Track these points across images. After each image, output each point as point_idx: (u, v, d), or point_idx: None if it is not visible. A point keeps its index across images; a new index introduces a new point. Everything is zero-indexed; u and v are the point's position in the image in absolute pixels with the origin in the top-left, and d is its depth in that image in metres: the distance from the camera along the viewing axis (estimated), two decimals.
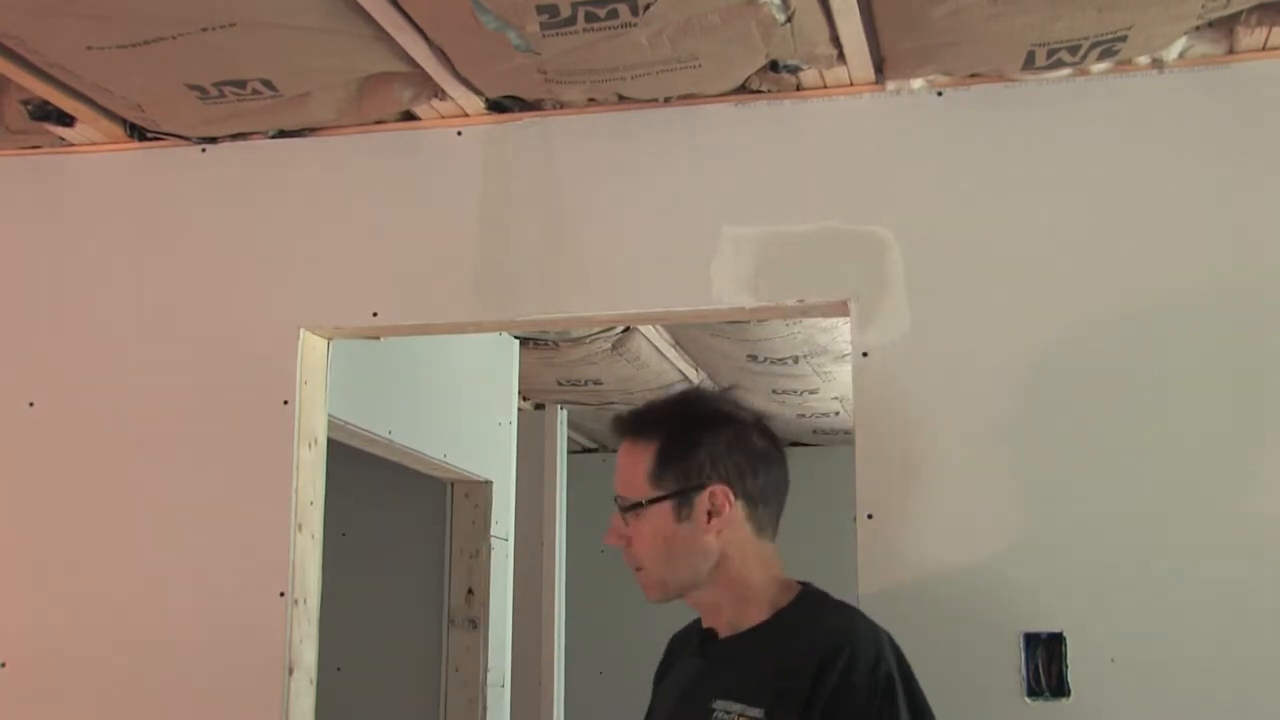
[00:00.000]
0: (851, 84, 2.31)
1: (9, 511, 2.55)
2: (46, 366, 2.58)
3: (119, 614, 2.46)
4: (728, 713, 1.75)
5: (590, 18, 2.01)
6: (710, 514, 1.82)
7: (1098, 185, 2.21)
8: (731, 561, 1.84)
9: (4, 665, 2.49)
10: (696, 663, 1.89)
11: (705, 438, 1.84)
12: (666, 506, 1.82)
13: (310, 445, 2.50)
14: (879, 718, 1.68)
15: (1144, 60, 2.18)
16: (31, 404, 2.57)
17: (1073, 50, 2.13)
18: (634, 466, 1.85)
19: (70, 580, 2.49)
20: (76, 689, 2.46)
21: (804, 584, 1.88)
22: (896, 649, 1.77)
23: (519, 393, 4.24)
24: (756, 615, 1.84)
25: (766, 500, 1.88)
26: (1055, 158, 2.23)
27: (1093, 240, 2.20)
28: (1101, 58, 2.16)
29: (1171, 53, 2.16)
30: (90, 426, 2.54)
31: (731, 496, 1.83)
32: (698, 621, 1.95)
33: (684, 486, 1.82)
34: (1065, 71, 2.21)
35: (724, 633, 1.87)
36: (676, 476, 1.82)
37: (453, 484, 4.10)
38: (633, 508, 1.84)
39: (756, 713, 1.72)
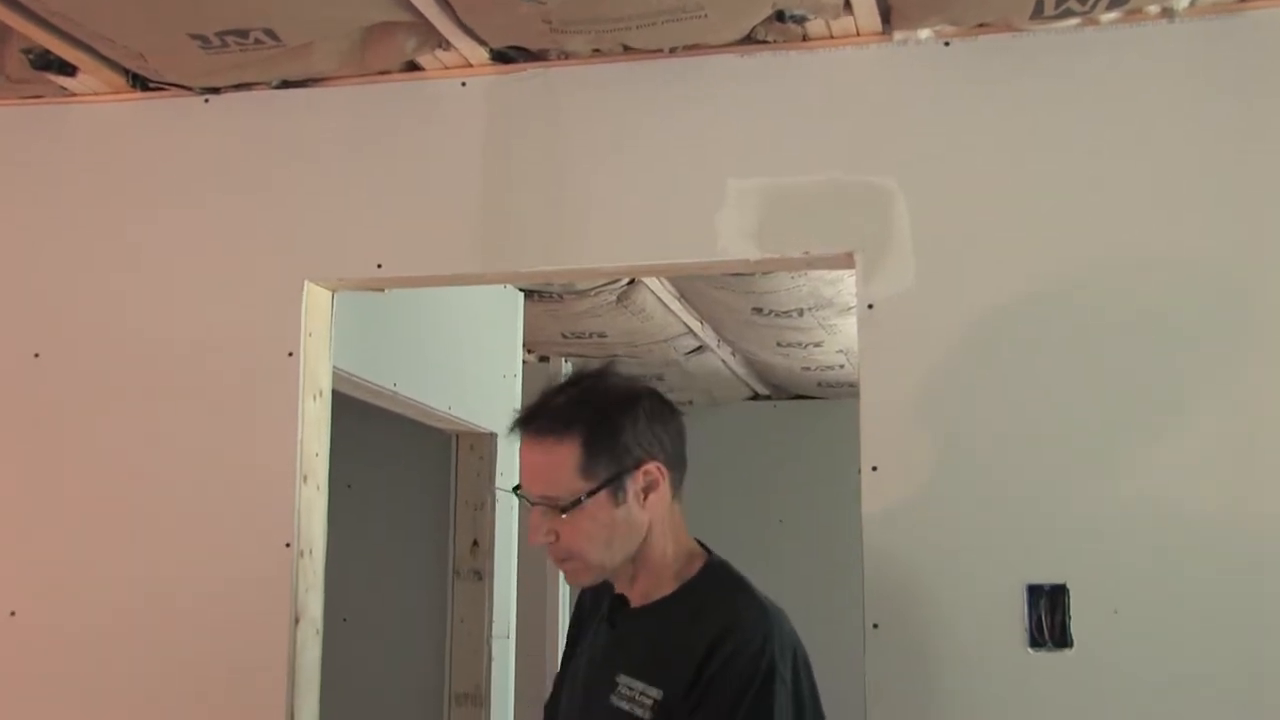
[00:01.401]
0: (858, 34, 2.29)
1: (16, 463, 2.56)
2: (51, 318, 2.58)
3: (125, 564, 2.48)
4: (630, 689, 1.77)
5: None
6: (646, 490, 1.83)
7: (1106, 136, 2.20)
8: (653, 531, 1.85)
9: (13, 614, 2.51)
10: (606, 630, 1.90)
11: (624, 419, 1.83)
12: (603, 495, 1.80)
13: (315, 397, 2.50)
14: (752, 707, 1.69)
15: (1154, 9, 2.16)
16: (37, 355, 2.57)
17: None
18: (557, 466, 1.81)
19: (77, 531, 2.51)
20: (83, 638, 2.47)
21: (708, 553, 1.89)
22: (792, 637, 1.77)
23: (523, 345, 4.24)
24: (665, 586, 1.85)
25: (681, 464, 1.89)
26: (1063, 109, 2.22)
27: (1100, 192, 2.19)
28: (1111, 6, 2.14)
29: (1182, 1, 2.14)
30: (95, 378, 2.54)
31: (663, 469, 1.84)
32: (608, 583, 1.94)
33: (617, 471, 1.81)
34: (1074, 21, 2.19)
35: (636, 602, 1.88)
36: (607, 464, 1.81)
37: (457, 436, 4.11)
38: (570, 506, 1.80)
39: (655, 693, 1.74)
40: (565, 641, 2.05)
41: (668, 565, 1.86)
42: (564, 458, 1.81)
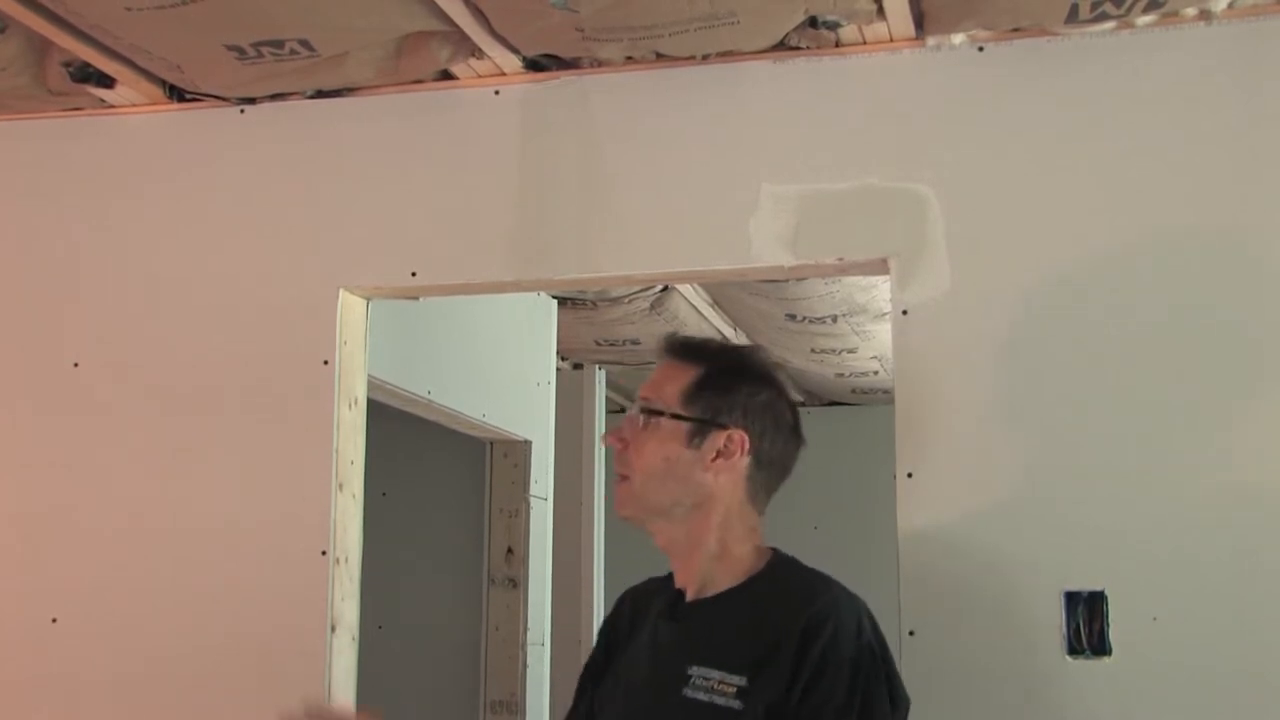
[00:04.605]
0: (891, 40, 2.29)
1: (55, 472, 2.58)
2: (90, 327, 2.61)
3: (162, 572, 2.49)
4: (706, 679, 1.73)
5: None
6: (719, 454, 1.82)
7: (1142, 140, 2.18)
8: (714, 507, 1.82)
9: (55, 621, 2.53)
10: (669, 626, 1.85)
11: (746, 386, 1.85)
12: (683, 428, 1.82)
13: (350, 405, 2.51)
14: (865, 689, 1.67)
15: (1191, 11, 2.14)
16: (76, 364, 2.59)
17: (1118, 2, 2.10)
18: (671, 381, 1.85)
19: (116, 539, 2.53)
20: (122, 644, 2.49)
21: (775, 550, 1.87)
22: (873, 619, 1.76)
23: (557, 352, 4.24)
24: (729, 578, 1.82)
25: (771, 471, 1.87)
26: (1098, 113, 2.20)
27: (1136, 197, 2.17)
28: (1147, 9, 2.13)
29: (1220, 3, 2.12)
30: (133, 387, 2.56)
31: (746, 447, 1.83)
32: (660, 581, 1.93)
33: (708, 418, 1.82)
34: (1109, 24, 2.18)
35: (693, 595, 1.85)
36: (705, 406, 1.82)
37: (492, 444, 4.12)
38: (653, 413, 1.84)
39: (738, 680, 1.70)
40: (596, 649, 2.01)
41: (731, 555, 1.83)
42: (677, 377, 1.85)
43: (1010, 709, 2.09)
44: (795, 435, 1.90)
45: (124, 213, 2.63)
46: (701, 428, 1.82)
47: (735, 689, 1.70)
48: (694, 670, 1.75)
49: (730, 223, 2.32)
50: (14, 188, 2.70)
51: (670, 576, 1.91)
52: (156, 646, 2.48)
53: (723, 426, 1.82)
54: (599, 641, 2.02)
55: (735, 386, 1.84)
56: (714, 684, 1.72)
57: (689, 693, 1.74)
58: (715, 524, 1.83)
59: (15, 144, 2.70)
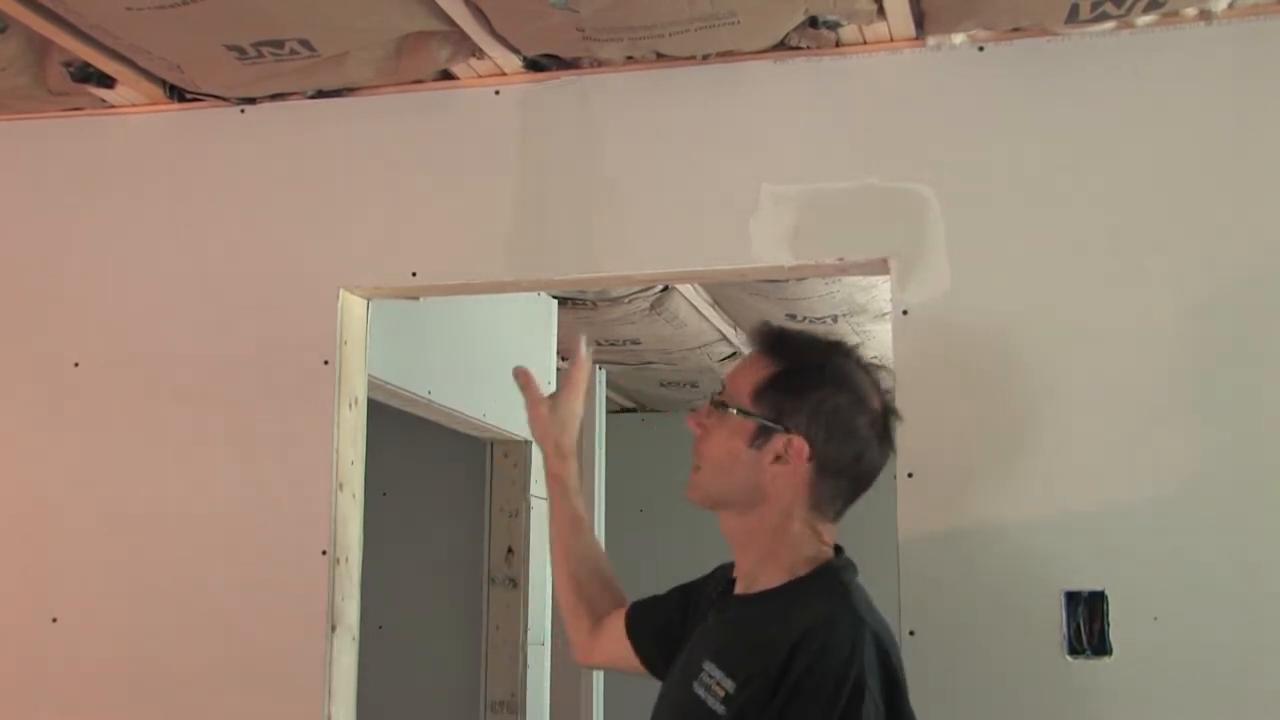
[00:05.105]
0: (892, 39, 2.29)
1: (56, 471, 2.58)
2: (90, 327, 2.61)
3: (163, 572, 2.50)
4: (710, 676, 1.73)
5: None
6: (777, 458, 1.79)
7: (1142, 141, 2.18)
8: (769, 509, 1.80)
9: (55, 621, 2.53)
10: (712, 615, 1.88)
11: (817, 391, 1.79)
12: (749, 426, 1.80)
13: (351, 405, 2.52)
14: (842, 718, 1.60)
15: (1191, 11, 2.14)
16: (76, 364, 2.59)
17: (1118, 2, 2.10)
18: (747, 375, 1.84)
19: (116, 538, 2.53)
20: (122, 644, 2.49)
21: (831, 560, 1.81)
22: (885, 650, 1.68)
23: (557, 352, 4.24)
24: (771, 580, 1.80)
25: (841, 479, 1.81)
26: (1098, 113, 2.20)
27: (1136, 197, 2.17)
28: (1147, 9, 2.13)
29: (1220, 3, 2.12)
30: (134, 386, 2.56)
31: (805, 455, 1.77)
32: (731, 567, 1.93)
33: (772, 419, 1.79)
34: (1110, 24, 2.18)
35: (740, 588, 1.85)
36: (771, 407, 1.80)
37: (492, 443, 4.12)
38: (721, 406, 1.84)
39: (729, 685, 1.69)
40: (679, 593, 2.03)
41: (777, 559, 1.80)
42: (754, 373, 1.83)
43: (1010, 709, 2.09)
44: (871, 445, 1.81)
45: (124, 213, 2.63)
46: (765, 429, 1.79)
47: (724, 693, 1.69)
48: (706, 665, 1.75)
49: (730, 222, 2.32)
50: (14, 188, 2.70)
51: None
52: (156, 646, 2.48)
53: (785, 430, 1.78)
54: (685, 589, 2.03)
55: (805, 391, 1.79)
56: (713, 683, 1.72)
57: (695, 687, 1.74)
58: (769, 525, 1.81)
59: (15, 144, 2.70)
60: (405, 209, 2.49)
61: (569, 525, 2.20)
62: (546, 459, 2.22)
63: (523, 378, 2.20)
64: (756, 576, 1.83)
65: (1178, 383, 2.12)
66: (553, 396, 2.21)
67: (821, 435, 1.78)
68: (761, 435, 1.79)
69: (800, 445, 1.78)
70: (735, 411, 1.82)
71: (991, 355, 2.19)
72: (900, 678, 1.70)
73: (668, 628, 1.99)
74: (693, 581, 2.03)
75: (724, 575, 1.95)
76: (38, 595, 2.54)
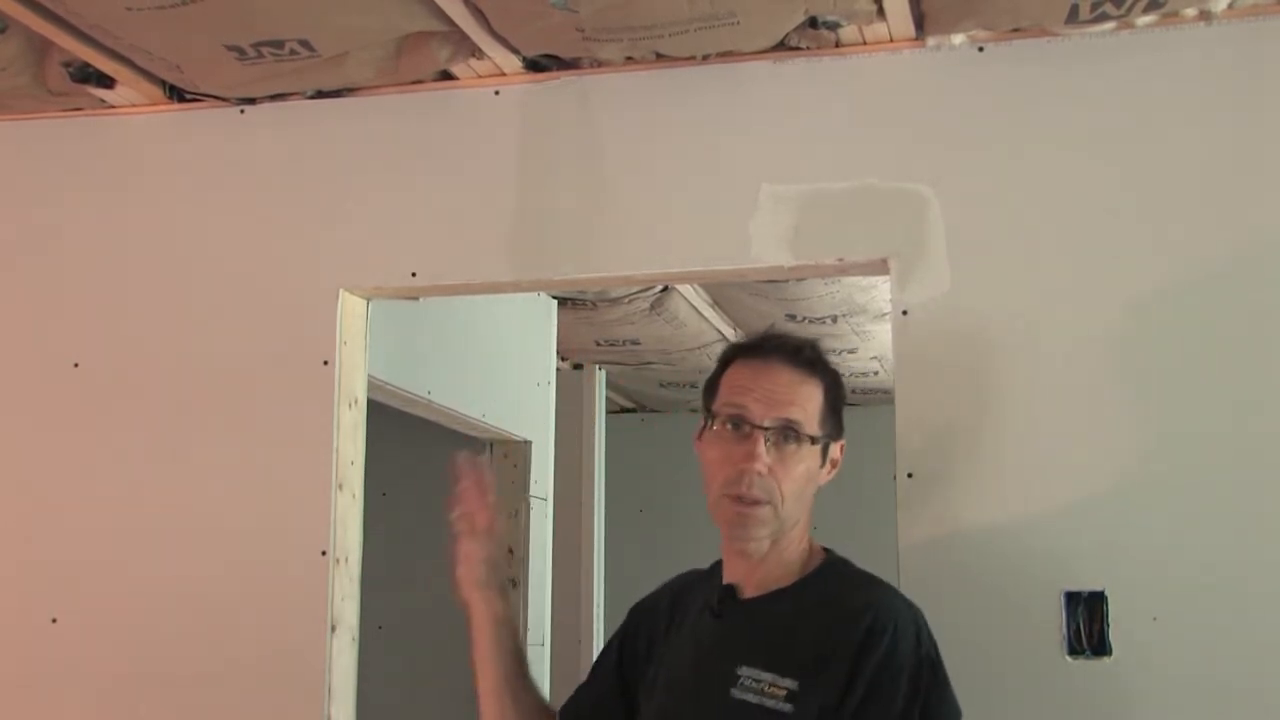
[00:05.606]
0: (891, 40, 2.29)
1: (56, 471, 2.58)
2: (90, 327, 2.61)
3: (162, 572, 2.50)
4: (757, 681, 1.70)
5: None
6: (834, 464, 1.85)
7: (1141, 141, 2.18)
8: (806, 514, 1.85)
9: (55, 621, 2.53)
10: (714, 623, 1.82)
11: (842, 393, 1.87)
12: (817, 449, 1.81)
13: (350, 405, 2.52)
14: (925, 701, 1.65)
15: (1191, 12, 2.14)
16: (76, 364, 2.59)
17: (1118, 2, 2.10)
18: (809, 399, 1.81)
19: (116, 539, 2.53)
20: (121, 644, 2.49)
21: (827, 550, 1.85)
22: (928, 628, 1.74)
23: (557, 353, 4.24)
24: (784, 577, 1.80)
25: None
26: (1098, 114, 2.20)
27: (1135, 198, 2.17)
28: (1147, 10, 2.13)
29: (1220, 3, 2.12)
30: (134, 387, 2.56)
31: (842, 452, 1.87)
32: (701, 574, 1.92)
33: (834, 434, 1.83)
34: (1109, 25, 2.18)
35: (750, 592, 1.82)
36: (832, 423, 1.83)
37: (492, 444, 4.11)
38: (805, 439, 1.78)
39: (789, 683, 1.68)
40: (617, 642, 1.98)
41: (794, 555, 1.81)
42: (813, 396, 1.81)
43: (1010, 709, 2.09)
44: None
45: (124, 213, 2.63)
46: (830, 445, 1.84)
47: (786, 692, 1.68)
48: (743, 671, 1.72)
49: (730, 223, 2.32)
50: (14, 188, 2.70)
51: (712, 570, 1.90)
52: (156, 646, 2.48)
53: (838, 439, 1.85)
54: (625, 634, 1.98)
55: (841, 400, 1.86)
56: (765, 686, 1.69)
57: (737, 694, 1.71)
58: (801, 528, 1.83)
59: (15, 144, 2.70)
60: (405, 209, 2.49)
61: (518, 666, 2.15)
62: (489, 604, 2.11)
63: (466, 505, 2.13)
64: (769, 578, 1.81)
65: (1178, 382, 2.12)
66: (480, 543, 2.13)
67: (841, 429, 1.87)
68: (827, 451, 1.83)
69: (841, 445, 1.86)
70: (822, 439, 1.81)
71: (991, 355, 2.19)
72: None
73: (609, 695, 1.99)
74: (637, 615, 1.99)
75: (695, 585, 1.92)
76: (38, 595, 2.54)
